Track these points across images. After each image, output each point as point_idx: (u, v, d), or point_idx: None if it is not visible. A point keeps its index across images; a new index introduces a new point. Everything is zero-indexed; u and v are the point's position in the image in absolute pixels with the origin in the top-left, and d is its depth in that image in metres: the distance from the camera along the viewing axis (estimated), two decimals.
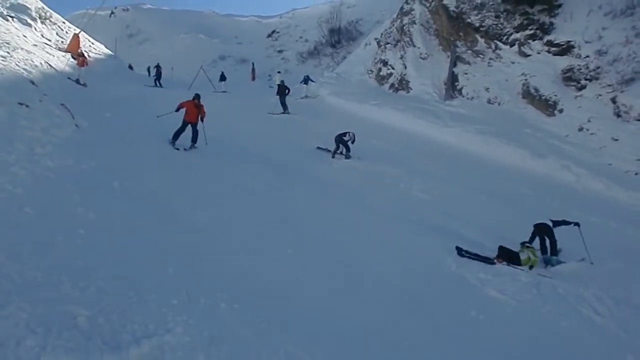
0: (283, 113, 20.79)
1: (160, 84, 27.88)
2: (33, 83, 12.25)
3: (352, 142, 14.48)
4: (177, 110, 12.68)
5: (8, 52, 14.21)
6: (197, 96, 12.88)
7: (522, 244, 9.08)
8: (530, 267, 8.57)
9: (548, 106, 18.60)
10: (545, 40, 19.94)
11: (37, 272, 4.14)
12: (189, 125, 12.53)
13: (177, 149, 12.28)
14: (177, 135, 12.42)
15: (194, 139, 12.66)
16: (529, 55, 20.25)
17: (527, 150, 16.31)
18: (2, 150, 7.02)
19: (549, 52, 19.72)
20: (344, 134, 14.53)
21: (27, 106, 9.75)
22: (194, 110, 12.53)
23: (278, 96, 21.08)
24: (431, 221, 10.28)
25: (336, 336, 4.94)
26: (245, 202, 9.29)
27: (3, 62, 12.68)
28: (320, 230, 8.58)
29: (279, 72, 34.26)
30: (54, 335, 3.30)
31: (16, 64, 13.32)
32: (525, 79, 19.76)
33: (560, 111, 18.17)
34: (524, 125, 18.24)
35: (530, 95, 19.37)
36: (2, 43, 15.27)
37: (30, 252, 4.48)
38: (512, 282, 7.70)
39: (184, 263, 5.53)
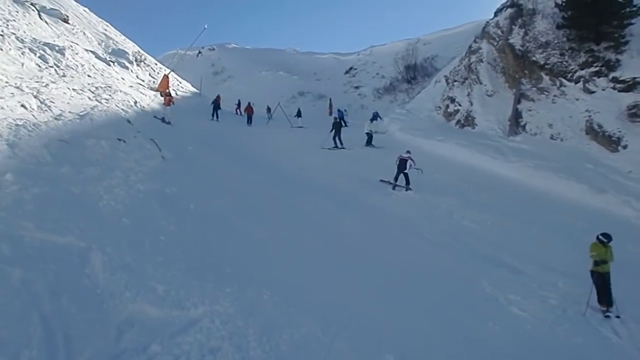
0: (335, 147, 21.55)
1: (217, 116, 27.02)
2: (129, 121, 14.55)
3: (411, 164, 15.50)
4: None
5: (110, 95, 16.76)
6: None
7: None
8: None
9: (612, 142, 18.53)
10: (610, 77, 19.92)
11: (131, 260, 5.73)
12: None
13: None
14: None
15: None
16: (593, 92, 20.27)
17: (586, 185, 16.26)
18: (107, 176, 8.82)
19: (614, 88, 19.67)
20: (404, 160, 15.50)
21: (124, 141, 11.82)
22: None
23: (333, 131, 21.84)
24: (475, 249, 10.89)
25: (363, 331, 6.02)
26: (301, 225, 10.33)
27: (107, 104, 15.09)
28: (368, 252, 9.44)
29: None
30: (141, 295, 4.90)
31: (116, 105, 15.80)
32: (589, 115, 19.77)
33: (624, 147, 18.04)
34: (585, 161, 18.21)
35: (594, 131, 19.34)
36: (105, 87, 17.97)
37: (127, 248, 6.07)
38: (539, 304, 8.26)
39: (241, 267, 6.82)
